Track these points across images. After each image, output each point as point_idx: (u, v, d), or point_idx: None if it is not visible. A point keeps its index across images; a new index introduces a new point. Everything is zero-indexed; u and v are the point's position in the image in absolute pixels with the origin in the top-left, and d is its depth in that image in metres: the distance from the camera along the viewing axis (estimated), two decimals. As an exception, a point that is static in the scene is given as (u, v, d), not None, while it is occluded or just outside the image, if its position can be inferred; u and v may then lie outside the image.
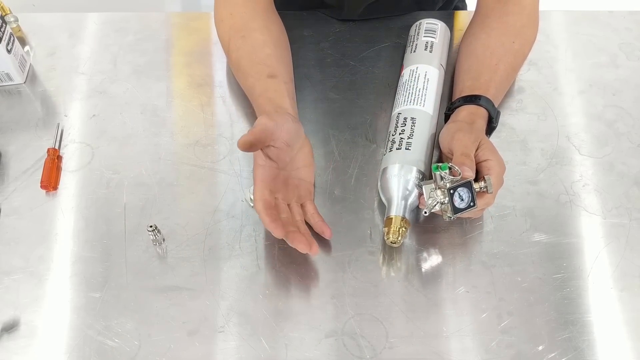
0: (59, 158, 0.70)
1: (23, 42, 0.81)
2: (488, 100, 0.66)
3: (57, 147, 0.70)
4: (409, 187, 0.62)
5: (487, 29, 0.73)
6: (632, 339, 0.58)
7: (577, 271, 0.62)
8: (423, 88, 0.69)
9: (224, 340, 0.57)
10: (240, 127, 0.73)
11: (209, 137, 0.72)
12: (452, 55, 0.78)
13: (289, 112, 0.64)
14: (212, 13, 0.75)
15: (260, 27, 0.71)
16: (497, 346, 0.57)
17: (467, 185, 0.57)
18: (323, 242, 0.63)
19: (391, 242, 0.60)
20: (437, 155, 0.69)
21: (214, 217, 0.65)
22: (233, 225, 0.64)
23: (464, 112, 0.66)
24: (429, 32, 0.75)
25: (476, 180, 0.58)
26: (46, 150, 0.69)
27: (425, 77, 0.70)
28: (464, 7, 0.99)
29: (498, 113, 0.68)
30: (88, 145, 0.71)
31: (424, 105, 0.68)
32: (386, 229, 0.60)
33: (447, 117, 0.69)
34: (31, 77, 0.78)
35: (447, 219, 0.58)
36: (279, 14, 0.76)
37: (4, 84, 0.76)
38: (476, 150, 0.60)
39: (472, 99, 0.67)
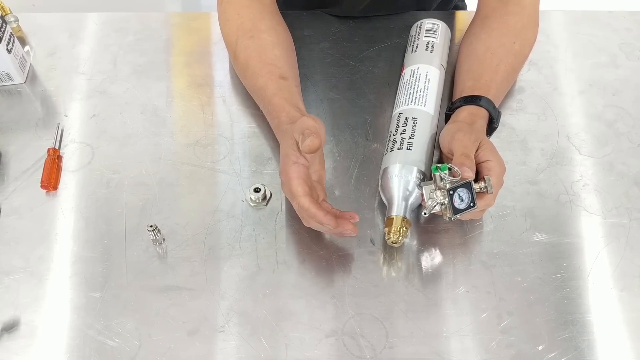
0: (59, 158, 0.70)
1: (23, 42, 0.81)
2: (488, 101, 0.66)
3: (57, 147, 0.70)
4: (410, 187, 0.62)
5: (487, 30, 0.73)
6: (632, 339, 0.58)
7: (577, 271, 0.62)
8: (424, 88, 0.69)
9: (224, 340, 0.57)
10: (240, 127, 0.73)
11: (209, 137, 0.72)
12: (452, 56, 0.78)
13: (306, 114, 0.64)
14: (213, 13, 0.75)
15: (268, 28, 0.71)
16: (497, 346, 0.57)
17: (467, 185, 0.57)
18: (323, 242, 0.63)
19: (392, 242, 0.60)
20: (438, 155, 0.69)
21: (214, 217, 0.65)
22: (233, 225, 0.65)
23: (465, 112, 0.66)
24: (430, 32, 0.75)
25: (476, 180, 0.58)
26: (46, 150, 0.69)
27: (426, 77, 0.70)
28: (463, 6, 0.99)
29: (499, 113, 0.68)
30: (88, 145, 0.71)
31: (425, 106, 0.68)
32: (387, 229, 0.60)
33: (447, 118, 0.69)
34: (31, 77, 0.78)
35: (448, 220, 0.58)
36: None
37: (4, 84, 0.76)
38: (476, 151, 0.60)
39: (473, 100, 0.67)
